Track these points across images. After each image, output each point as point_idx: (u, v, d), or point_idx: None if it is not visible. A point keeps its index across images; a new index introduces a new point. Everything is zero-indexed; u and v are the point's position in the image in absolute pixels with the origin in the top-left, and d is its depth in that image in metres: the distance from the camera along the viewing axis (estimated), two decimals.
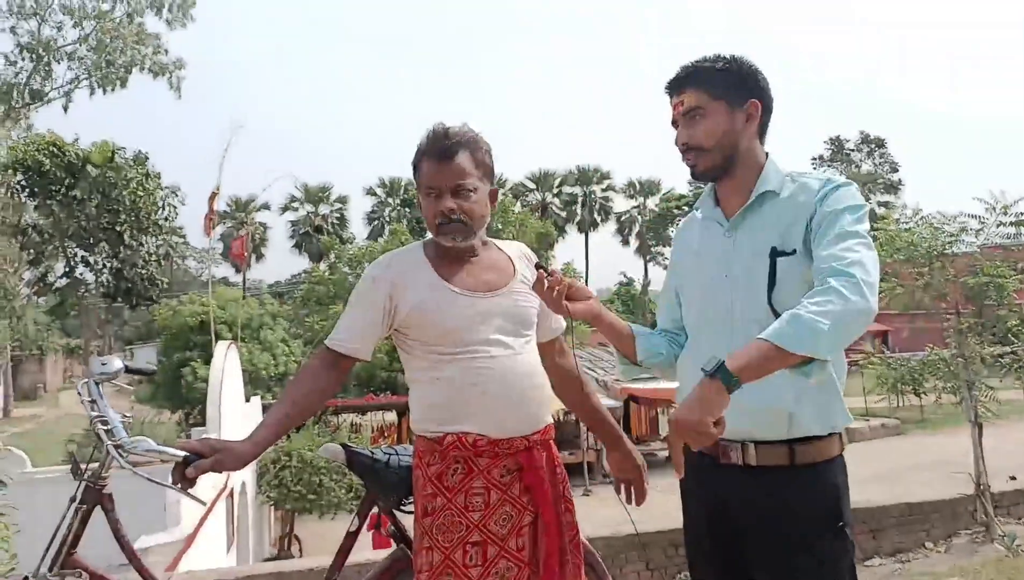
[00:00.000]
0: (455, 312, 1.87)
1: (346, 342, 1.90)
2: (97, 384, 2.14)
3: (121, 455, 1.96)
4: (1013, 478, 10.37)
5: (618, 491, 2.15)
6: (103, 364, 2.20)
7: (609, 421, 2.21)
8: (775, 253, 1.69)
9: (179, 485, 1.68)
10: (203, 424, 9.00)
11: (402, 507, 2.20)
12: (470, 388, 1.85)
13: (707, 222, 1.87)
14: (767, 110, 1.78)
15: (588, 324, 1.88)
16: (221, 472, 1.76)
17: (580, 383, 2.18)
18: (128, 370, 2.25)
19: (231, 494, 7.99)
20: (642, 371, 1.95)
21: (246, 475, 9.48)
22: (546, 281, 1.76)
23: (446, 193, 1.89)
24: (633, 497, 2.13)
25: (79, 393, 2.15)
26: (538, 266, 1.85)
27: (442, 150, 1.88)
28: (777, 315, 1.63)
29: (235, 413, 9.26)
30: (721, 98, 1.74)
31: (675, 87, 1.79)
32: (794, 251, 1.68)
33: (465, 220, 1.89)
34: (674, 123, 1.81)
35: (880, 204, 44.31)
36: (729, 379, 1.44)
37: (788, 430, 1.67)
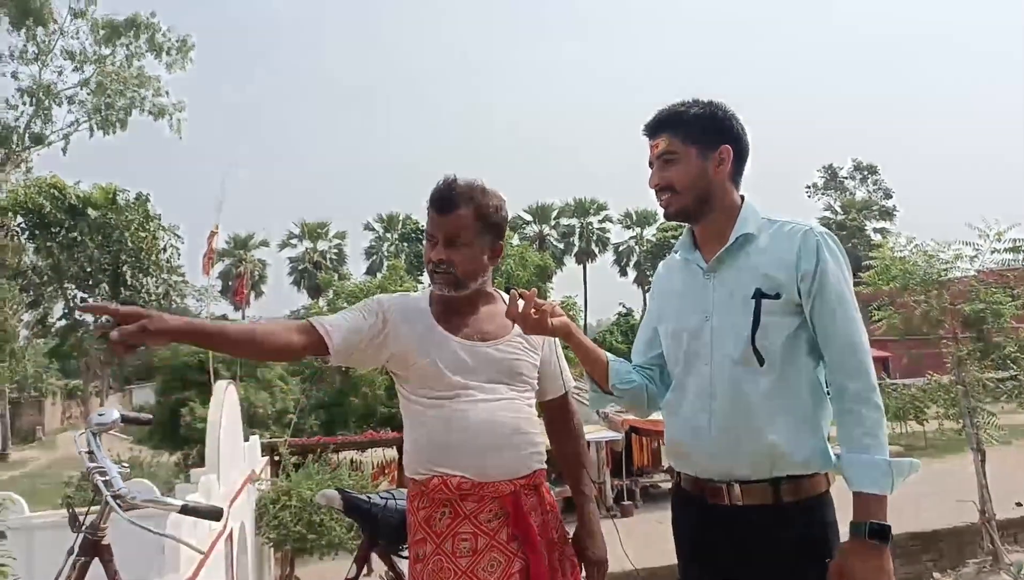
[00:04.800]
0: (445, 356, 1.90)
1: (328, 327, 1.87)
2: (95, 435, 2.15)
3: (119, 506, 1.96)
4: (1020, 504, 10.28)
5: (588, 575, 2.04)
6: (100, 415, 2.21)
7: (586, 501, 2.09)
8: (760, 295, 1.72)
9: (178, 536, 1.67)
10: (202, 464, 8.92)
11: (399, 552, 2.19)
12: (453, 430, 1.86)
13: (687, 264, 1.91)
14: (740, 155, 1.84)
15: (564, 342, 1.90)
16: (148, 338, 1.61)
17: (577, 456, 2.13)
18: (125, 420, 2.26)
19: (230, 536, 7.89)
20: (611, 400, 1.97)
21: (245, 516, 9.38)
22: (519, 302, 1.76)
23: (440, 243, 1.93)
24: None
25: (76, 443, 2.16)
26: (507, 289, 1.86)
27: (442, 201, 1.92)
28: (758, 354, 1.70)
29: (234, 453, 9.20)
30: (693, 143, 1.79)
31: (651, 131, 1.85)
32: (778, 295, 1.72)
33: (453, 271, 1.92)
34: (651, 164, 1.86)
35: (876, 230, 44.59)
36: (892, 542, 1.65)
37: (771, 470, 1.70)
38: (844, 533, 1.74)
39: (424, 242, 2.00)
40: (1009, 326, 7.63)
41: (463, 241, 1.92)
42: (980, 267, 7.58)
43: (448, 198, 1.91)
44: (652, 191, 1.88)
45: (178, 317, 1.71)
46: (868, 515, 1.61)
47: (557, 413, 2.14)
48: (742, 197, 1.85)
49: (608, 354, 1.95)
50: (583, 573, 2.02)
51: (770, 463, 1.69)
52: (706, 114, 1.81)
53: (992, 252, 7.30)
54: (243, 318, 41.28)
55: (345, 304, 22.34)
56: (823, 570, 1.65)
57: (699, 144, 1.79)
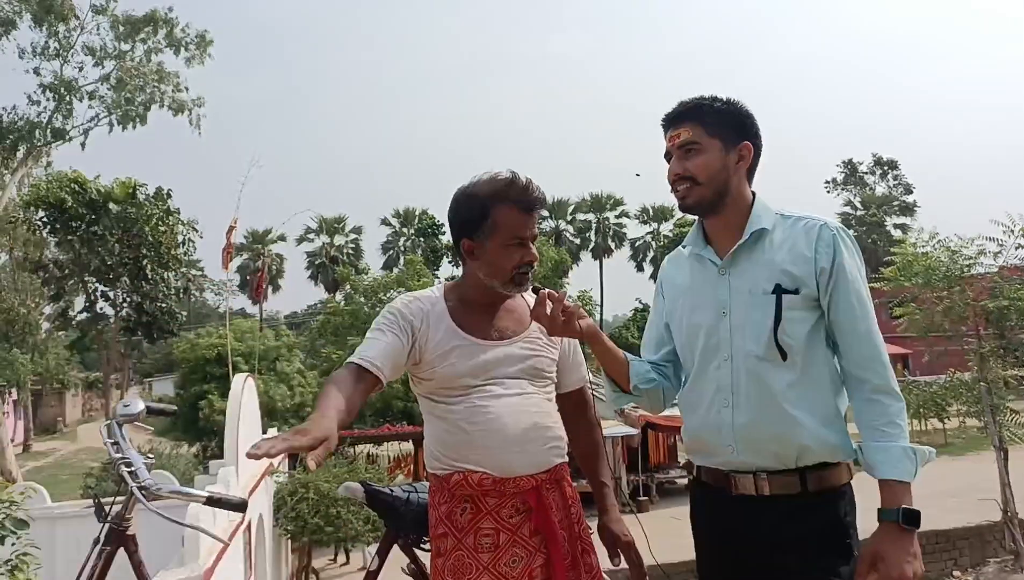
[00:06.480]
0: (466, 361, 1.88)
1: (377, 363, 1.80)
2: (120, 426, 2.16)
3: (145, 497, 1.97)
4: None
5: (613, 560, 2.04)
6: (126, 406, 2.23)
7: (607, 489, 2.10)
8: (780, 290, 1.73)
9: (200, 527, 1.68)
10: (221, 456, 9.00)
11: (422, 545, 2.20)
12: (474, 427, 1.85)
13: (698, 259, 1.90)
14: (757, 154, 1.84)
15: (587, 344, 1.89)
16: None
17: (594, 447, 2.14)
18: (150, 411, 2.27)
19: (248, 527, 7.95)
20: (631, 399, 1.97)
21: (263, 508, 9.46)
22: (548, 302, 1.76)
23: (530, 243, 1.89)
24: (631, 571, 2.03)
25: (101, 433, 2.18)
26: (535, 289, 1.83)
27: (531, 202, 1.89)
28: (781, 349, 1.71)
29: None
30: (716, 136, 1.79)
31: (672, 121, 1.85)
32: (797, 290, 1.73)
33: (535, 269, 1.93)
34: (667, 156, 1.86)
35: (896, 226, 44.11)
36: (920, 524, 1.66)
37: (796, 461, 1.71)
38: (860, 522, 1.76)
39: (496, 246, 1.88)
40: None
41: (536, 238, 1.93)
42: (1004, 263, 7.48)
43: (536, 200, 1.89)
44: (662, 187, 1.88)
45: (330, 418, 1.60)
46: (897, 501, 1.64)
47: (574, 405, 2.12)
48: (753, 193, 1.86)
49: (627, 354, 1.96)
50: (622, 560, 2.02)
51: (796, 454, 1.70)
52: (730, 109, 1.82)
53: (1016, 248, 7.22)
54: (260, 312, 41.66)
55: (362, 298, 22.48)
56: (847, 558, 1.67)
57: (723, 137, 1.79)
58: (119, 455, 2.08)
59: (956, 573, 7.44)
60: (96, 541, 2.09)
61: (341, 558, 12.02)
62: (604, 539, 2.04)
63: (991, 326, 7.75)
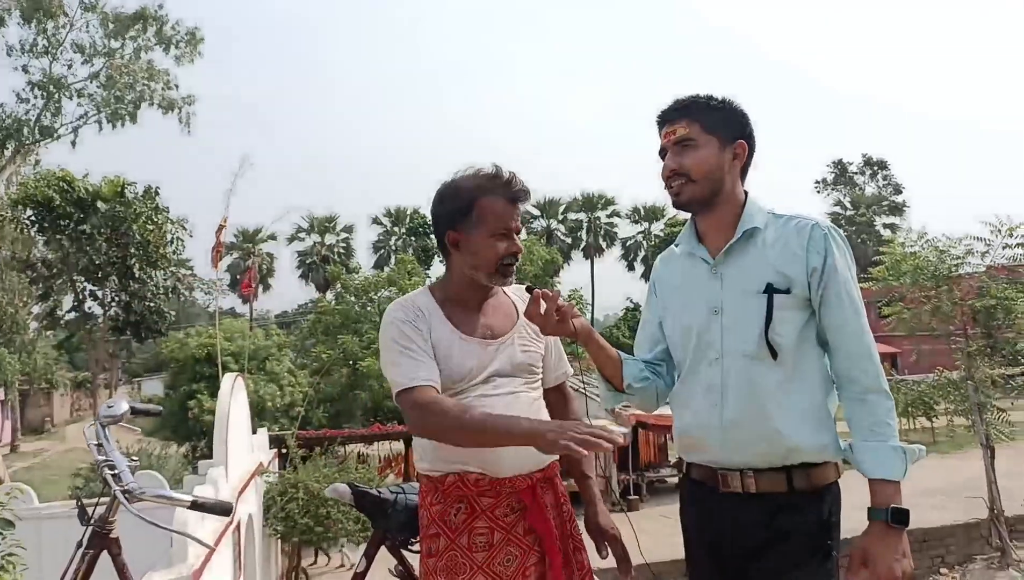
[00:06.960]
0: (462, 359, 1.87)
1: (431, 378, 1.80)
2: (104, 427, 2.14)
3: (128, 500, 1.95)
4: None
5: (601, 553, 2.04)
6: (109, 407, 2.21)
7: (591, 482, 2.11)
8: (772, 289, 1.73)
9: (186, 531, 1.67)
10: (210, 456, 8.96)
11: (410, 546, 2.19)
12: None
13: (689, 258, 1.91)
14: (751, 153, 1.86)
15: (577, 343, 1.89)
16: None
17: None
18: (135, 411, 2.25)
19: (238, 527, 7.91)
20: (624, 398, 1.98)
21: (253, 508, 9.42)
22: (543, 302, 1.77)
23: (514, 235, 1.89)
24: (617, 564, 2.03)
25: (85, 434, 2.16)
26: (529, 289, 1.84)
27: (517, 194, 1.88)
28: (772, 348, 1.71)
29: (242, 445, 9.22)
30: (713, 133, 1.80)
31: (669, 117, 1.85)
32: (789, 290, 1.74)
33: (519, 262, 1.93)
34: (662, 153, 1.86)
35: (885, 226, 44.33)
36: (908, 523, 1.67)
37: (783, 459, 1.72)
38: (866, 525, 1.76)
39: (482, 237, 1.87)
40: (1020, 322, 7.58)
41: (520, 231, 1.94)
42: (991, 262, 7.54)
43: (522, 191, 1.89)
44: (662, 183, 1.87)
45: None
46: (887, 500, 1.65)
47: (557, 399, 2.13)
48: (745, 192, 1.87)
49: (621, 353, 1.96)
50: (608, 551, 2.02)
51: (784, 453, 1.72)
52: (727, 107, 1.83)
53: (1004, 247, 7.28)
54: (251, 311, 41.48)
55: (353, 298, 22.39)
56: (826, 556, 1.70)
57: (719, 135, 1.80)
58: (102, 457, 2.06)
59: (943, 570, 7.49)
60: (79, 544, 2.08)
61: (322, 559, 11.99)
62: (591, 532, 2.04)
63: (978, 325, 7.81)
